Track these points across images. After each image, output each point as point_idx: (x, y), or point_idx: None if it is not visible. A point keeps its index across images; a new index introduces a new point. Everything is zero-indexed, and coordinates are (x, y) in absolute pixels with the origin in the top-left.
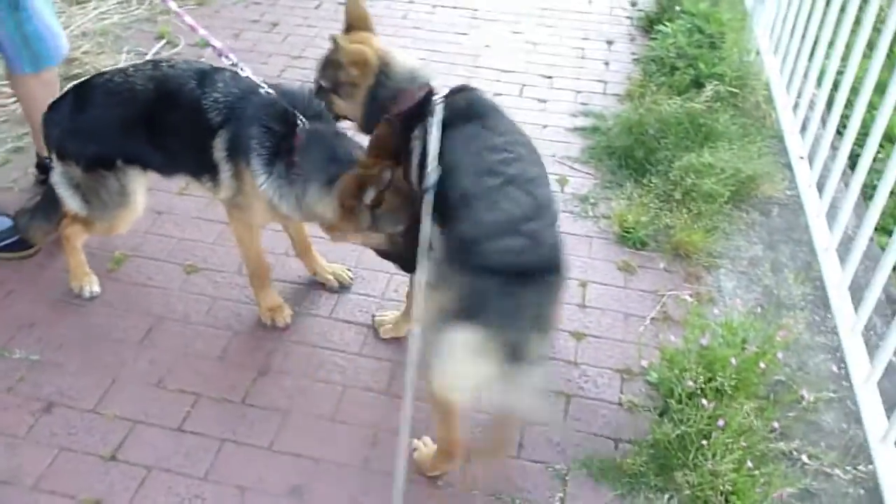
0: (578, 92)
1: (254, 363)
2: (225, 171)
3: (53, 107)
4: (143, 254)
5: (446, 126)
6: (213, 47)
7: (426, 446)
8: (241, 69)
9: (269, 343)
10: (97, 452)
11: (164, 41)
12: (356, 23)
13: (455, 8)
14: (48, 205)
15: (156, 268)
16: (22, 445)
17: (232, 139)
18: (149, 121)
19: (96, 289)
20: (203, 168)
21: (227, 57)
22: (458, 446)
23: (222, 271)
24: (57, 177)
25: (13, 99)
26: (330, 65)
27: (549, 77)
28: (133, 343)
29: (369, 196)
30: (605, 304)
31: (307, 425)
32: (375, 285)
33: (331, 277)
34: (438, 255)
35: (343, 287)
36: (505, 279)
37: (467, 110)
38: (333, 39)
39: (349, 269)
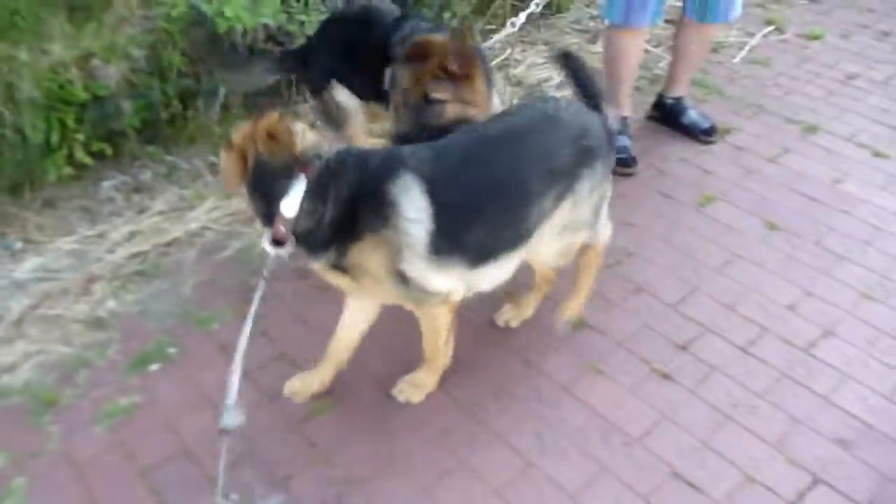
0: None
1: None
2: None
3: None
4: (728, 199)
5: None
6: None
7: None
8: None
9: (838, 311)
10: (670, 338)
11: (771, 27)
12: None
13: None
14: None
15: (738, 215)
16: (614, 310)
17: None
18: None
19: None
20: None
21: None
22: None
23: (800, 237)
24: None
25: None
26: None
27: None
28: (712, 267)
29: None
30: None
31: (864, 395)
32: None
33: None
34: None
35: None
36: None
37: None
38: None
39: None
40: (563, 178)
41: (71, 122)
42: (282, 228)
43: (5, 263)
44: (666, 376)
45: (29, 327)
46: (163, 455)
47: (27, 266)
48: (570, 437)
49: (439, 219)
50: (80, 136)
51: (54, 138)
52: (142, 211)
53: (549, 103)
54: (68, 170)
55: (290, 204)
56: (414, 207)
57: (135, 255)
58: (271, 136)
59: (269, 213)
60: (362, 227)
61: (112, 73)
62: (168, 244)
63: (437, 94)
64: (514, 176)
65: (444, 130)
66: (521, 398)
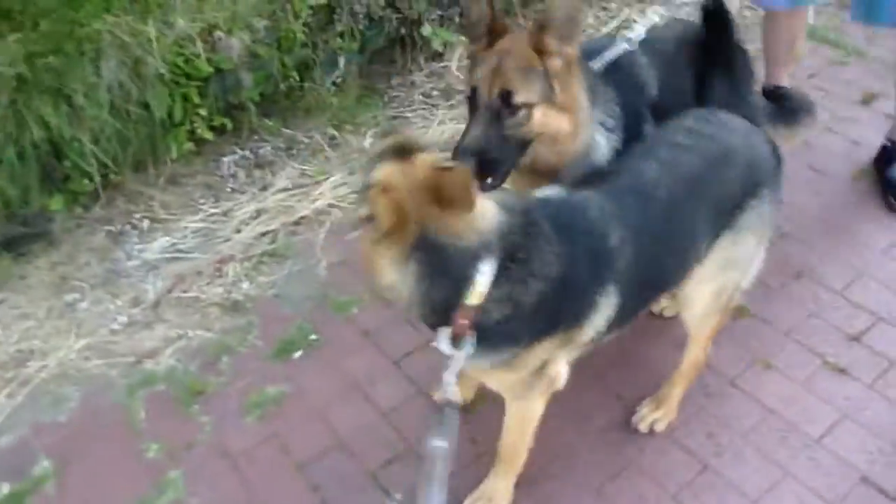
0: None
1: None
2: None
3: None
4: None
5: None
6: None
7: None
8: None
9: None
10: (841, 328)
11: None
12: None
13: None
14: None
15: None
16: (775, 297)
17: None
18: None
19: None
20: None
21: None
22: None
23: None
24: None
25: None
26: None
27: None
28: (877, 249)
29: None
30: None
31: None
32: None
33: None
34: None
35: None
36: None
37: None
38: None
39: None
40: (727, 216)
41: (194, 97)
42: (464, 322)
43: (135, 243)
44: (841, 370)
45: (166, 311)
46: (318, 448)
47: (157, 246)
48: (744, 437)
49: (616, 310)
50: (203, 111)
51: (178, 113)
52: (265, 187)
53: (717, 126)
54: (189, 145)
55: (477, 290)
56: (610, 305)
57: (263, 235)
58: (450, 203)
59: (440, 305)
60: (556, 321)
61: (234, 45)
62: (296, 223)
63: (521, 98)
64: (685, 239)
65: (524, 145)
66: (687, 393)
